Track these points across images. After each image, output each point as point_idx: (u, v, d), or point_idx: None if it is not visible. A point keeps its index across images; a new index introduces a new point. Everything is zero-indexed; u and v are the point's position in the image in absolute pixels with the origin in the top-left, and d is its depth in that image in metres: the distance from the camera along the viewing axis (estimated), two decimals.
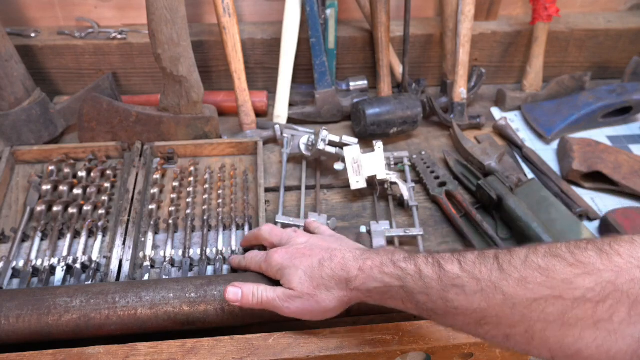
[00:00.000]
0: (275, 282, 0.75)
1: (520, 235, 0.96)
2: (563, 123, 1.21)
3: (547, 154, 1.18)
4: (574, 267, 0.51)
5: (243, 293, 0.72)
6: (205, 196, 1.01)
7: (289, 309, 0.70)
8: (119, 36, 1.22)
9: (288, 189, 1.07)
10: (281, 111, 1.21)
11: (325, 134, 1.06)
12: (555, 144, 1.21)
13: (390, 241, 0.96)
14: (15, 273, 0.87)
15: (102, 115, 1.09)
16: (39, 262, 0.88)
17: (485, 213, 1.03)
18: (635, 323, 0.49)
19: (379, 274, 0.65)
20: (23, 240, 0.93)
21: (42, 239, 0.93)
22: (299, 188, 1.07)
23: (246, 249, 0.90)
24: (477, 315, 0.56)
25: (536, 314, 0.52)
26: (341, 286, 0.68)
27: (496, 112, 1.31)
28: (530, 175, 1.12)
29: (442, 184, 1.07)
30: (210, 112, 1.13)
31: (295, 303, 0.70)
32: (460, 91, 1.23)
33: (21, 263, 0.88)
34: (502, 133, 1.22)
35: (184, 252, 0.91)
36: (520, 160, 1.16)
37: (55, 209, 0.96)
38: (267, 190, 1.05)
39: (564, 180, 1.11)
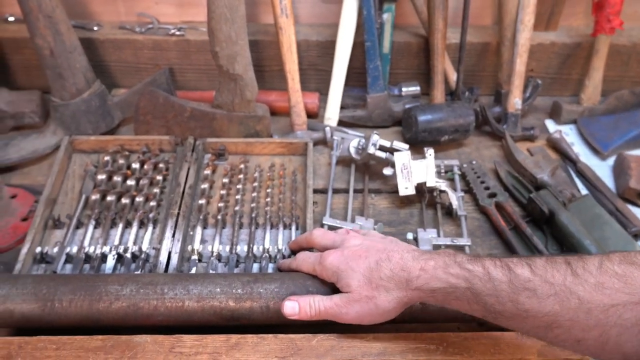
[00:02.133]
0: (328, 285, 0.75)
1: (571, 251, 0.94)
2: (621, 139, 1.18)
3: (602, 170, 1.15)
4: None
5: (300, 307, 0.72)
6: (254, 194, 1.02)
7: (348, 314, 0.70)
8: (177, 32, 1.25)
9: (336, 191, 1.07)
10: (332, 113, 1.21)
11: (377, 138, 1.06)
12: (611, 160, 1.18)
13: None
14: (69, 258, 0.90)
15: (157, 109, 1.12)
16: (92, 249, 0.91)
17: (536, 227, 1.01)
18: None
19: (444, 274, 0.64)
20: (77, 227, 0.95)
21: (95, 227, 0.95)
22: (346, 191, 1.07)
23: (294, 252, 0.90)
24: (548, 319, 0.57)
25: (613, 319, 0.53)
26: (401, 286, 0.67)
27: (550, 125, 1.28)
28: (584, 191, 1.09)
29: (492, 195, 1.06)
30: (262, 111, 1.14)
31: (354, 307, 0.69)
32: (515, 102, 1.21)
33: (75, 249, 0.91)
34: (556, 146, 1.20)
35: (231, 248, 0.92)
36: (573, 175, 1.14)
37: (108, 198, 0.99)
38: (315, 191, 1.05)
39: (620, 198, 1.08)
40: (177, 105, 1.12)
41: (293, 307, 0.72)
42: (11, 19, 1.25)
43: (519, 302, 0.58)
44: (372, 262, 0.70)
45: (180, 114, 1.12)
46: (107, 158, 1.06)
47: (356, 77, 1.27)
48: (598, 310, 0.54)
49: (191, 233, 0.95)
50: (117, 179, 1.02)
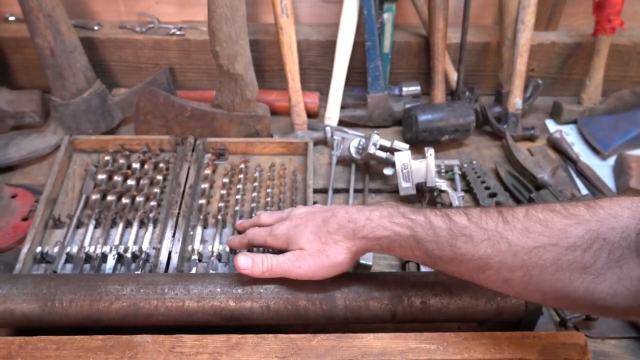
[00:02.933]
0: (327, 283, 0.75)
1: None
2: (621, 139, 1.18)
3: (602, 170, 1.15)
4: (567, 219, 0.59)
5: (253, 261, 0.73)
6: (254, 194, 1.02)
7: (301, 268, 0.72)
8: (178, 32, 1.25)
9: (336, 191, 1.07)
10: (332, 113, 1.21)
11: (377, 138, 1.06)
12: (611, 160, 1.18)
13: None
14: (69, 258, 0.90)
15: (158, 108, 1.12)
16: (92, 249, 0.90)
17: None
18: (613, 267, 0.56)
19: (389, 223, 0.69)
20: (77, 227, 0.95)
21: (95, 227, 0.95)
22: (347, 191, 1.07)
23: (240, 233, 0.91)
24: (481, 261, 0.62)
25: (535, 259, 0.59)
26: (348, 237, 0.71)
27: (551, 125, 1.28)
28: (584, 191, 1.09)
29: (493, 195, 1.06)
30: (263, 111, 1.14)
31: (306, 262, 0.72)
32: (515, 101, 1.21)
33: (75, 249, 0.91)
34: (557, 146, 1.20)
35: (231, 248, 0.92)
36: (574, 175, 1.14)
37: (109, 198, 0.99)
38: (315, 191, 1.05)
39: None
40: (178, 105, 1.12)
41: (246, 261, 0.73)
42: (11, 18, 1.25)
43: (456, 247, 0.63)
44: (319, 221, 0.74)
45: (180, 113, 1.12)
46: (107, 158, 1.06)
47: (356, 76, 1.27)
48: (523, 252, 0.60)
49: (191, 233, 0.95)
50: (117, 178, 1.02)
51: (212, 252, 0.91)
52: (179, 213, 0.96)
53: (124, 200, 0.99)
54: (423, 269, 0.91)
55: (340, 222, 0.72)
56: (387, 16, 1.18)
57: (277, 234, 0.77)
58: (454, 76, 1.27)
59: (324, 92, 1.27)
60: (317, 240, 0.72)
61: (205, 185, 1.03)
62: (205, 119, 1.13)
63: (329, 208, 0.78)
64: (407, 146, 1.06)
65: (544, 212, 0.60)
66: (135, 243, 0.93)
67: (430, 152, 1.04)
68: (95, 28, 1.25)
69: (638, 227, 0.56)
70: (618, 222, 0.57)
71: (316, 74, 1.30)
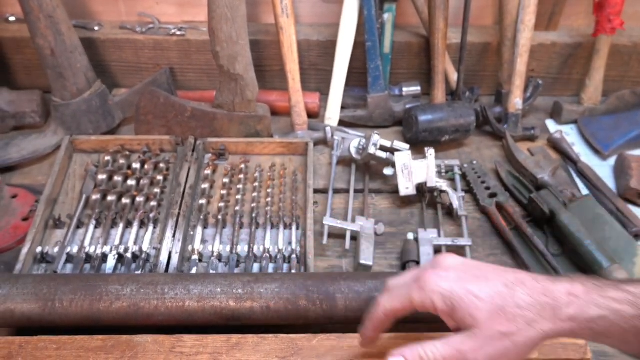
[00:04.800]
0: (332, 282, 0.75)
1: (572, 251, 0.94)
2: (622, 139, 1.18)
3: (603, 170, 1.15)
4: None
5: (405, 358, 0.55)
6: (255, 194, 1.02)
7: (473, 352, 0.53)
8: (178, 32, 1.25)
9: (336, 191, 1.07)
10: (333, 113, 1.21)
11: (377, 139, 1.06)
12: (612, 161, 1.17)
13: (437, 250, 0.95)
14: (69, 258, 0.90)
15: (158, 109, 1.12)
16: (92, 249, 0.91)
17: (536, 227, 1.01)
18: None
19: (601, 298, 0.52)
20: (78, 227, 0.96)
21: (95, 227, 0.95)
22: (347, 191, 1.07)
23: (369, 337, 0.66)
24: None
25: None
26: (546, 316, 0.52)
27: (551, 125, 1.28)
28: (585, 191, 1.09)
29: (493, 195, 1.06)
30: (263, 111, 1.14)
31: (485, 350, 0.52)
32: (516, 102, 1.21)
33: (75, 249, 0.91)
34: (557, 146, 1.19)
35: (231, 248, 0.92)
36: (574, 175, 1.13)
37: (109, 198, 0.99)
38: (315, 191, 1.05)
39: (620, 198, 1.08)
40: (178, 105, 1.12)
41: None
42: (12, 18, 1.25)
43: None
44: (499, 285, 0.53)
45: (180, 113, 1.12)
46: (107, 158, 1.06)
47: (357, 77, 1.27)
48: None
49: (192, 233, 0.95)
50: (117, 178, 1.02)
51: (213, 252, 0.91)
52: (179, 213, 0.96)
53: (125, 201, 0.99)
54: None
55: (532, 294, 0.52)
56: (387, 16, 1.18)
57: (431, 288, 0.56)
58: (454, 76, 1.27)
59: (324, 92, 1.27)
60: (502, 316, 0.52)
61: (205, 186, 1.03)
62: (206, 119, 1.13)
63: (496, 267, 0.56)
64: (407, 146, 1.06)
65: None
66: (135, 243, 0.93)
67: (430, 152, 1.03)
68: (96, 28, 1.25)
69: None
70: None
71: (316, 74, 1.30)
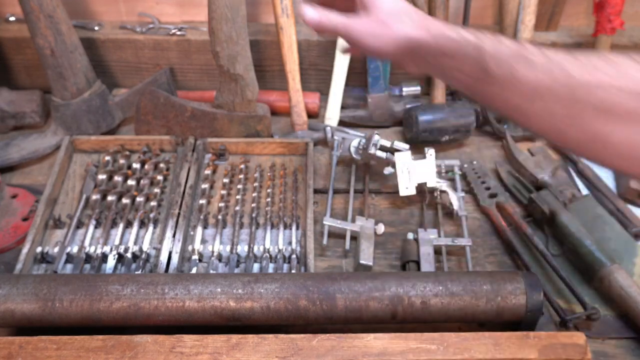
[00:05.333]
0: (329, 283, 0.75)
1: (572, 251, 0.94)
2: None
3: (603, 170, 1.14)
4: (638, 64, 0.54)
5: (319, 13, 0.72)
6: (255, 194, 1.02)
7: (358, 25, 0.71)
8: (178, 32, 1.25)
9: (336, 191, 1.07)
10: (333, 113, 1.21)
11: (377, 139, 1.06)
12: None
13: (437, 250, 0.95)
14: (69, 258, 0.90)
15: (158, 109, 1.12)
16: (92, 249, 0.91)
17: (536, 227, 1.01)
18: None
19: (460, 29, 0.66)
20: (78, 227, 0.96)
21: (95, 227, 0.95)
22: (347, 191, 1.07)
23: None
24: (534, 90, 0.59)
25: (592, 98, 0.55)
26: (416, 23, 0.69)
27: None
28: (585, 191, 1.09)
29: (493, 195, 1.06)
30: (263, 111, 1.14)
31: (366, 23, 0.70)
32: None
33: (75, 249, 0.91)
34: (557, 146, 1.19)
35: (231, 248, 0.92)
36: (574, 175, 1.13)
37: (109, 198, 0.99)
38: (315, 191, 1.05)
39: (620, 198, 1.08)
40: (178, 105, 1.12)
41: (313, 12, 0.72)
42: (12, 18, 1.25)
43: (515, 69, 0.60)
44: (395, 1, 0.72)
45: (181, 113, 1.12)
46: (107, 158, 1.06)
47: (357, 77, 1.27)
48: (581, 87, 0.55)
49: (192, 233, 0.95)
50: (117, 178, 1.02)
51: (213, 252, 0.91)
52: (179, 213, 0.96)
53: (125, 201, 0.99)
54: (423, 269, 0.91)
55: (413, 12, 0.70)
56: None
57: None
58: None
59: (324, 92, 1.27)
60: (387, 11, 0.70)
61: (205, 186, 1.03)
62: (206, 119, 1.13)
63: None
64: (407, 146, 1.06)
65: (618, 56, 0.55)
66: (135, 243, 0.93)
67: (430, 152, 1.04)
68: (96, 28, 1.25)
69: None
70: None
71: (316, 74, 1.30)
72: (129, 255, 0.90)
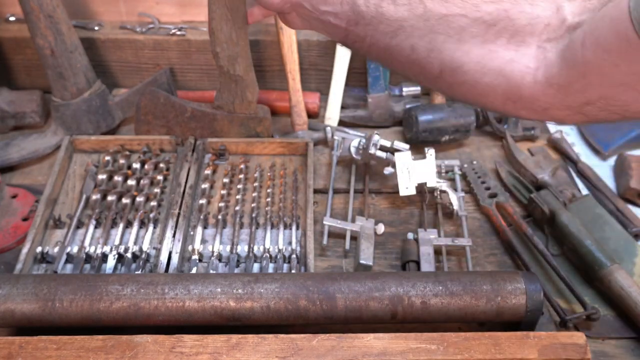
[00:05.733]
0: (328, 283, 0.75)
1: (572, 251, 0.94)
2: (622, 139, 1.18)
3: (603, 170, 1.15)
4: None
5: None
6: (255, 194, 1.02)
7: None
8: (178, 32, 1.25)
9: (336, 191, 1.07)
10: (333, 113, 1.21)
11: (377, 139, 1.06)
12: (612, 161, 1.17)
13: (437, 250, 0.95)
14: (69, 258, 0.90)
15: (158, 109, 1.12)
16: (92, 249, 0.91)
17: (536, 227, 1.01)
18: (509, 49, 0.61)
19: None
20: (78, 227, 0.96)
21: (95, 227, 0.95)
22: (347, 191, 1.07)
23: None
24: (397, 24, 0.66)
25: (442, 27, 0.63)
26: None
27: (551, 125, 1.28)
28: (585, 191, 1.09)
29: (493, 195, 1.06)
30: (263, 113, 1.14)
31: None
32: None
33: (75, 249, 0.91)
34: (557, 146, 1.20)
35: (231, 248, 0.92)
36: (574, 175, 1.13)
37: (109, 198, 0.99)
38: (315, 191, 1.05)
39: (620, 198, 1.08)
40: (178, 105, 1.12)
41: None
42: (12, 18, 1.25)
43: (380, 6, 0.66)
44: None
45: (181, 114, 1.12)
46: (107, 158, 1.06)
47: (357, 77, 1.27)
48: (434, 18, 0.63)
49: (192, 233, 0.95)
50: (117, 178, 1.02)
51: (213, 252, 0.91)
52: (179, 213, 0.96)
53: (125, 201, 0.99)
54: (423, 269, 0.91)
55: None
56: None
57: None
58: None
59: (324, 92, 1.27)
60: None
61: (205, 186, 1.03)
62: (206, 119, 1.13)
63: None
64: (407, 146, 1.07)
65: None
66: (135, 243, 0.93)
67: (430, 152, 1.04)
68: (96, 28, 1.25)
69: (549, 19, 0.59)
70: (533, 8, 0.60)
71: (316, 74, 1.30)
72: (129, 255, 0.90)
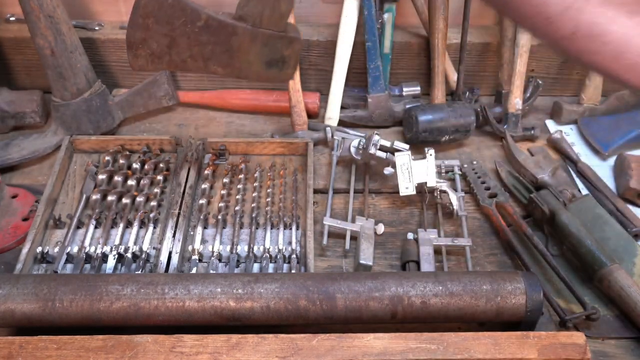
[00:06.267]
0: (328, 283, 0.75)
1: (572, 251, 0.94)
2: (621, 139, 1.18)
3: (602, 170, 1.15)
4: None
5: None
6: (255, 194, 1.02)
7: None
8: None
9: (336, 191, 1.07)
10: (333, 113, 1.21)
11: (377, 139, 1.06)
12: (611, 161, 1.18)
13: (437, 250, 0.95)
14: (69, 258, 0.90)
15: (163, 11, 0.87)
16: (92, 249, 0.91)
17: (536, 227, 1.01)
18: None
19: None
20: (78, 227, 0.96)
21: (95, 227, 0.95)
22: (347, 191, 1.07)
23: None
24: None
25: None
26: None
27: (551, 125, 1.28)
28: (585, 191, 1.09)
29: (493, 195, 1.06)
30: (294, 33, 0.97)
31: None
32: (516, 102, 1.21)
33: (75, 249, 0.91)
34: (557, 146, 1.20)
35: (231, 248, 0.92)
36: (574, 175, 1.13)
37: (109, 198, 0.99)
38: (315, 191, 1.05)
39: (620, 198, 1.08)
40: (190, 10, 0.87)
41: None
42: (12, 18, 1.25)
43: None
44: None
45: (191, 22, 0.88)
46: (107, 158, 1.06)
47: (357, 77, 1.27)
48: None
49: (192, 233, 0.95)
50: (117, 178, 1.02)
51: (213, 252, 0.91)
52: (179, 213, 0.96)
53: (125, 201, 0.99)
54: (423, 269, 0.91)
55: None
56: (387, 16, 1.18)
57: None
58: (454, 76, 1.27)
59: (324, 92, 1.27)
60: None
61: (205, 186, 1.03)
62: (222, 33, 0.90)
63: None
64: (407, 146, 1.06)
65: None
66: (135, 243, 0.93)
67: (430, 152, 1.04)
68: (96, 28, 1.25)
69: None
70: None
71: (316, 74, 1.30)
72: (129, 255, 0.90)
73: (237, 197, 1.02)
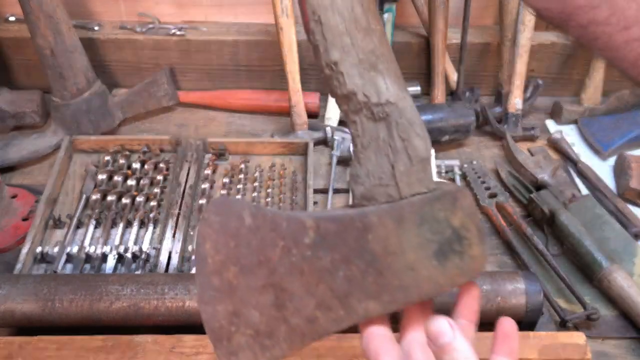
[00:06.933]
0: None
1: (571, 251, 0.94)
2: (622, 139, 1.18)
3: (603, 170, 1.15)
4: None
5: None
6: (255, 194, 1.02)
7: None
8: (178, 32, 1.25)
9: (336, 191, 1.07)
10: (333, 113, 1.21)
11: None
12: (611, 161, 1.17)
13: None
14: (69, 258, 0.90)
15: (243, 243, 0.48)
16: (92, 249, 0.91)
17: (536, 227, 1.01)
18: None
19: None
20: (78, 227, 0.95)
21: (95, 227, 0.95)
22: (347, 191, 1.07)
23: None
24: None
25: None
26: None
27: (551, 125, 1.28)
28: (585, 191, 1.09)
29: (493, 195, 1.06)
30: (448, 185, 0.52)
31: None
32: (516, 102, 1.21)
33: (75, 249, 0.91)
34: (557, 146, 1.20)
35: None
36: (574, 175, 1.13)
37: (109, 198, 0.99)
38: (315, 191, 1.05)
39: (620, 198, 1.08)
40: (285, 225, 0.48)
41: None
42: (12, 18, 1.25)
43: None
44: None
45: (294, 241, 0.47)
46: (107, 158, 1.06)
47: None
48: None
49: (192, 233, 0.95)
50: (117, 178, 1.02)
51: None
52: (179, 213, 0.96)
53: (124, 201, 0.99)
54: None
55: None
56: (387, 16, 1.18)
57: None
58: (454, 76, 1.27)
59: (324, 92, 1.27)
60: None
61: (205, 186, 1.03)
62: (349, 238, 0.47)
63: None
64: None
65: None
66: (135, 243, 0.93)
67: (430, 152, 1.03)
68: (96, 28, 1.25)
69: None
70: None
71: (316, 74, 1.30)
72: (129, 255, 0.90)
73: (237, 197, 1.01)
